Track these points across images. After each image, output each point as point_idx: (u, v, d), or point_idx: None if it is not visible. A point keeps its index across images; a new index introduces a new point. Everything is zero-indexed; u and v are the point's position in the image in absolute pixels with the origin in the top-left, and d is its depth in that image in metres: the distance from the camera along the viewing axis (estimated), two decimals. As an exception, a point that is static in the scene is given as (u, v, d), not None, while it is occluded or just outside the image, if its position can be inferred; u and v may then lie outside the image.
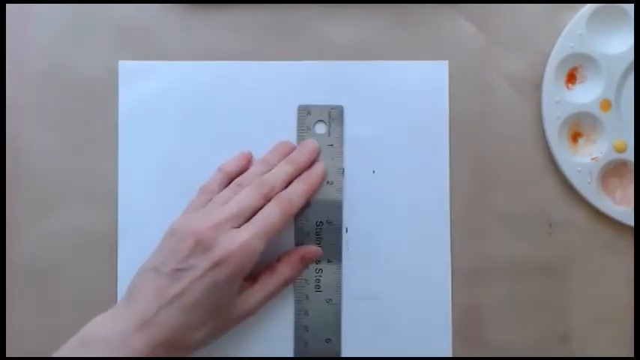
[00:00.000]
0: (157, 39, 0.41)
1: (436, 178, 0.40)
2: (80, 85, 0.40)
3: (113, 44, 0.41)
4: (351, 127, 0.40)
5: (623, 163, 0.40)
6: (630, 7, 0.39)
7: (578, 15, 0.40)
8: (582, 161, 0.39)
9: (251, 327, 0.39)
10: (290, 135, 0.40)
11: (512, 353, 0.39)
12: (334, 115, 0.40)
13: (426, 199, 0.40)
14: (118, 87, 0.40)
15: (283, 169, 0.38)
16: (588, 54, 0.39)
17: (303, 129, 0.40)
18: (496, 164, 0.40)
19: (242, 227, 0.35)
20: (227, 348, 0.39)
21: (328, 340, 0.39)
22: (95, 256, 0.40)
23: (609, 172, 0.40)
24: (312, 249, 0.39)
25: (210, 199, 0.37)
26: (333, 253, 0.39)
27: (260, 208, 0.36)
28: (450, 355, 0.39)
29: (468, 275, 0.40)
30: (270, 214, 0.36)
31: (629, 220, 0.39)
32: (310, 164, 0.39)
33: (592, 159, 0.40)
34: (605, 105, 0.39)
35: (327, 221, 0.39)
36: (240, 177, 0.38)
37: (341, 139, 0.40)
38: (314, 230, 0.39)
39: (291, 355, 0.39)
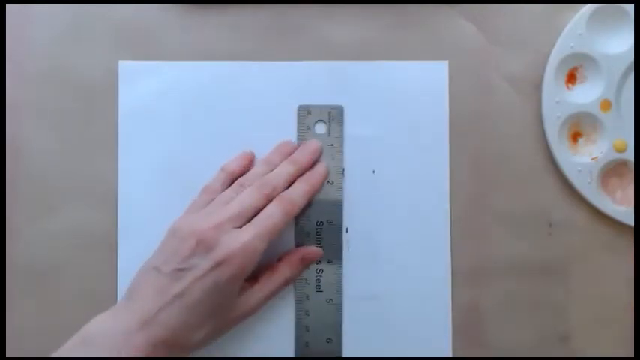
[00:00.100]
0: (157, 39, 0.41)
1: (436, 178, 0.40)
2: (80, 85, 0.40)
3: (113, 44, 0.41)
4: (351, 127, 0.40)
5: (623, 163, 0.40)
6: (630, 7, 0.39)
7: (578, 15, 0.40)
8: (582, 161, 0.39)
9: (252, 327, 0.39)
10: (290, 135, 0.40)
11: (512, 353, 0.39)
12: (334, 115, 0.40)
13: (426, 199, 0.40)
14: (118, 87, 0.40)
15: (285, 170, 0.38)
16: (588, 54, 0.39)
17: (303, 129, 0.40)
18: (496, 164, 0.40)
19: (244, 227, 0.35)
20: (228, 348, 0.39)
21: (329, 340, 0.39)
22: (95, 256, 0.40)
23: (609, 172, 0.40)
24: (312, 249, 0.39)
25: (213, 200, 0.37)
26: (334, 253, 0.39)
27: (262, 209, 0.36)
28: (450, 355, 0.39)
29: (468, 275, 0.40)
30: (272, 215, 0.36)
31: (629, 220, 0.39)
32: (312, 164, 0.39)
33: (592, 159, 0.40)
34: (605, 105, 0.39)
35: (327, 221, 0.39)
36: (243, 177, 0.38)
37: (341, 139, 0.40)
38: (314, 230, 0.39)
39: (291, 355, 0.39)
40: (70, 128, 0.40)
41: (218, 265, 0.34)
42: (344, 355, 0.39)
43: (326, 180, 0.39)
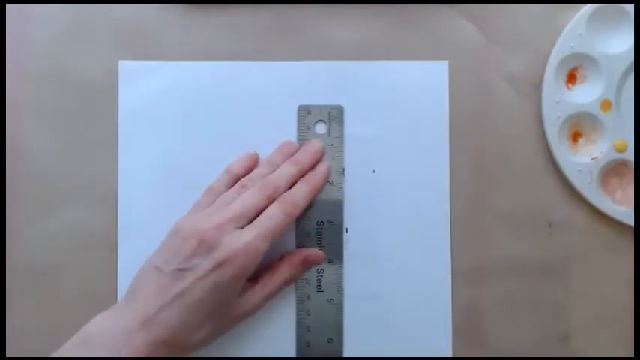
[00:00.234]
0: (157, 39, 0.41)
1: (436, 178, 0.40)
2: (80, 85, 0.40)
3: (113, 44, 0.41)
4: (351, 127, 0.40)
5: (623, 163, 0.40)
6: (630, 7, 0.39)
7: (578, 15, 0.40)
8: (582, 161, 0.39)
9: (253, 327, 0.39)
10: (290, 135, 0.40)
11: (512, 353, 0.39)
12: (334, 115, 0.40)
13: (426, 199, 0.40)
14: (118, 87, 0.40)
15: (287, 170, 0.38)
16: (588, 54, 0.39)
17: (304, 129, 0.40)
18: (496, 164, 0.40)
19: (245, 228, 0.35)
20: (228, 348, 0.39)
21: (330, 340, 0.39)
22: (95, 256, 0.40)
23: (609, 172, 0.40)
24: (314, 252, 0.39)
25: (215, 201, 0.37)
26: (334, 253, 0.39)
27: (264, 209, 0.36)
28: (450, 355, 0.39)
29: (468, 275, 0.40)
30: (274, 216, 0.36)
31: (629, 220, 0.39)
32: (314, 165, 0.39)
33: (592, 159, 0.40)
34: (605, 105, 0.39)
35: (328, 221, 0.39)
36: (245, 178, 0.38)
37: (341, 139, 0.40)
38: (315, 230, 0.39)
39: (293, 355, 0.39)
40: (70, 128, 0.40)
41: (219, 265, 0.34)
42: (345, 355, 0.39)
43: (327, 180, 0.39)
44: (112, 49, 0.41)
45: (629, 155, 0.39)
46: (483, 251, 0.40)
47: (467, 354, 0.39)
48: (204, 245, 0.34)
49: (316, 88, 0.40)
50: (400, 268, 0.40)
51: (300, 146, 0.40)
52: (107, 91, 0.40)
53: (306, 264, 0.39)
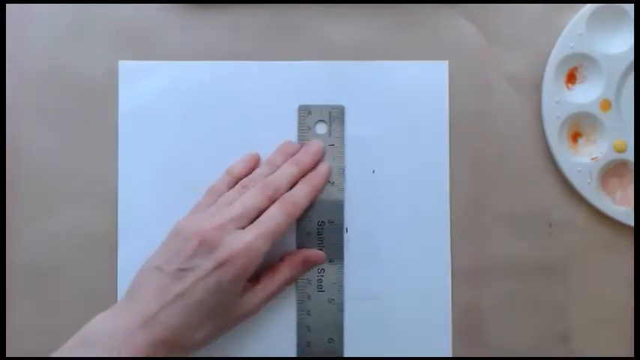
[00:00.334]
0: (157, 39, 0.41)
1: (436, 178, 0.40)
2: (80, 85, 0.40)
3: (113, 44, 0.41)
4: (351, 127, 0.40)
5: (623, 163, 0.40)
6: (630, 7, 0.39)
7: (578, 15, 0.40)
8: (582, 161, 0.39)
9: (253, 327, 0.39)
10: (291, 135, 0.40)
11: (512, 353, 0.39)
12: (335, 115, 0.40)
13: (426, 199, 0.40)
14: (118, 87, 0.40)
15: (288, 170, 0.38)
16: (588, 54, 0.39)
17: (304, 129, 0.40)
18: (496, 164, 0.40)
19: (247, 228, 0.35)
20: (229, 348, 0.39)
21: (331, 340, 0.39)
22: (95, 256, 0.40)
23: (609, 172, 0.40)
24: (314, 253, 0.39)
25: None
26: (335, 253, 0.39)
27: (265, 210, 0.36)
28: (450, 355, 0.39)
29: (468, 275, 0.40)
30: (275, 216, 0.36)
31: (629, 220, 0.39)
32: (315, 165, 0.39)
33: (592, 159, 0.40)
34: (605, 105, 0.39)
35: (328, 221, 0.39)
36: (246, 178, 0.38)
37: (342, 139, 0.40)
38: (316, 230, 0.39)
39: (293, 355, 0.39)
40: (70, 128, 0.40)
41: (221, 265, 0.34)
42: (345, 355, 0.39)
43: (328, 180, 0.39)
44: (112, 49, 0.40)
45: (629, 155, 0.39)
46: (483, 251, 0.40)
47: (467, 354, 0.39)
48: (206, 245, 0.34)
49: (316, 88, 0.40)
50: (400, 268, 0.40)
51: (301, 146, 0.40)
52: (107, 91, 0.40)
53: (307, 264, 0.39)
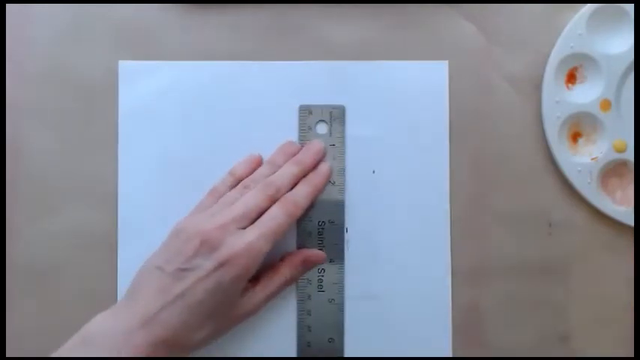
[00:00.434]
0: (157, 39, 0.41)
1: (436, 178, 0.40)
2: (80, 85, 0.40)
3: (113, 44, 0.41)
4: (351, 127, 0.40)
5: (623, 163, 0.40)
6: (630, 7, 0.39)
7: (578, 15, 0.40)
8: (582, 161, 0.40)
9: (254, 327, 0.39)
10: (291, 135, 0.40)
11: (512, 353, 0.39)
12: (336, 115, 0.40)
13: (426, 199, 0.40)
14: (118, 87, 0.40)
15: (289, 170, 0.38)
16: (588, 54, 0.39)
17: (305, 129, 0.40)
18: (496, 164, 0.40)
19: (248, 228, 0.35)
20: (229, 348, 0.39)
21: (331, 340, 0.39)
22: (95, 256, 0.40)
23: (609, 172, 0.40)
24: (315, 253, 0.39)
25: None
26: (336, 253, 0.39)
27: (266, 210, 0.36)
28: (450, 355, 0.39)
29: (468, 275, 0.40)
30: (276, 216, 0.36)
31: (629, 220, 0.39)
32: (316, 165, 0.39)
33: (592, 159, 0.40)
34: (605, 105, 0.39)
35: (329, 221, 0.39)
36: (247, 178, 0.38)
37: (343, 139, 0.40)
38: (316, 230, 0.39)
39: (294, 355, 0.39)
40: (70, 128, 0.40)
41: (221, 265, 0.34)
42: (346, 355, 0.39)
43: (329, 180, 0.39)
44: (112, 49, 0.40)
45: (629, 155, 0.39)
46: (483, 251, 0.40)
47: (467, 354, 0.39)
48: (207, 245, 0.34)
49: (316, 88, 0.40)
50: (400, 268, 0.40)
51: (302, 146, 0.40)
52: (107, 91, 0.40)
53: (307, 264, 0.39)
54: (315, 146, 0.39)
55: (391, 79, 0.40)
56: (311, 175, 0.39)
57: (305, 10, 0.41)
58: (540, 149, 0.40)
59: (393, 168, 0.40)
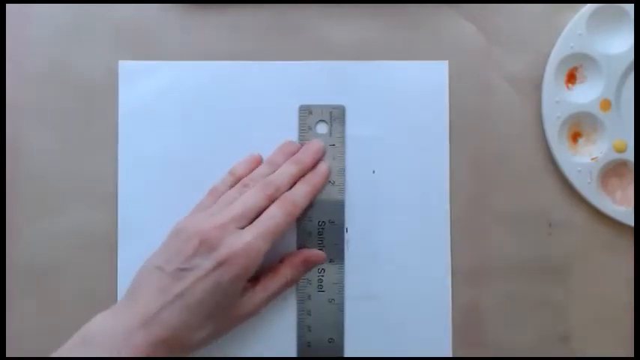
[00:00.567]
0: (157, 39, 0.41)
1: (436, 178, 0.40)
2: (80, 85, 0.40)
3: (113, 44, 0.41)
4: (351, 127, 0.40)
5: (623, 163, 0.40)
6: (630, 7, 0.39)
7: (578, 15, 0.40)
8: (582, 161, 0.40)
9: (254, 327, 0.39)
10: (291, 135, 0.40)
11: (512, 353, 0.39)
12: (336, 115, 0.40)
13: (426, 199, 0.40)
14: (118, 87, 0.40)
15: (288, 170, 0.38)
16: (588, 54, 0.39)
17: (305, 129, 0.40)
18: (496, 164, 0.40)
19: (246, 228, 0.35)
20: (229, 348, 0.39)
21: (331, 340, 0.39)
22: (95, 256, 0.40)
23: (609, 172, 0.40)
24: (315, 253, 0.39)
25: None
26: (336, 253, 0.39)
27: (265, 209, 0.36)
28: (450, 355, 0.39)
29: (468, 275, 0.40)
30: (275, 216, 0.36)
31: (629, 220, 0.39)
32: (315, 164, 0.39)
33: (592, 159, 0.40)
34: (605, 105, 0.39)
35: (329, 221, 0.39)
36: (247, 177, 0.38)
37: (343, 139, 0.40)
38: (316, 230, 0.39)
39: (294, 355, 0.39)
40: (70, 128, 0.40)
41: (220, 265, 0.34)
42: (346, 355, 0.39)
43: (328, 180, 0.39)
44: (112, 49, 0.40)
45: (629, 155, 0.39)
46: (483, 251, 0.40)
47: (467, 354, 0.39)
48: (206, 245, 0.34)
49: (316, 88, 0.40)
50: (400, 268, 0.40)
51: (302, 146, 0.40)
52: (107, 91, 0.40)
53: (307, 264, 0.39)
54: (314, 145, 0.39)
55: (391, 79, 0.40)
56: (310, 175, 0.39)
57: (305, 10, 0.41)
58: (540, 149, 0.40)
59: (393, 168, 0.40)
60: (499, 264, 0.40)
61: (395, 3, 0.40)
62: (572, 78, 0.40)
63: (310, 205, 0.39)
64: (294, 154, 0.39)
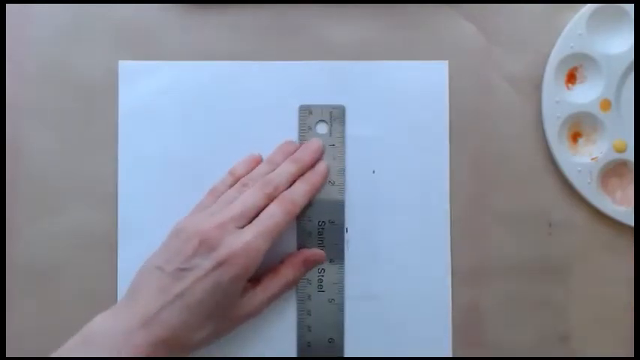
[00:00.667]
0: (157, 39, 0.41)
1: (436, 178, 0.40)
2: (80, 85, 0.40)
3: (113, 44, 0.41)
4: (351, 127, 0.40)
5: (623, 163, 0.40)
6: (630, 7, 0.39)
7: (578, 15, 0.40)
8: (582, 161, 0.40)
9: (254, 327, 0.39)
10: (291, 135, 0.40)
11: (512, 353, 0.39)
12: (336, 115, 0.40)
13: (426, 199, 0.40)
14: (118, 87, 0.40)
15: (287, 169, 0.38)
16: (588, 54, 0.39)
17: (305, 129, 0.40)
18: (496, 164, 0.40)
19: (245, 228, 0.35)
20: (229, 348, 0.39)
21: (331, 340, 0.39)
22: (95, 256, 0.40)
23: (609, 172, 0.40)
24: (315, 252, 0.39)
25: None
26: (336, 253, 0.39)
27: (264, 208, 0.36)
28: (450, 355, 0.39)
29: (468, 275, 0.40)
30: (274, 215, 0.36)
31: (629, 220, 0.39)
32: (314, 163, 0.39)
33: (592, 159, 0.40)
34: (605, 105, 0.39)
35: (329, 221, 0.39)
36: (246, 177, 0.38)
37: (343, 138, 0.40)
38: (316, 230, 0.39)
39: (294, 355, 0.39)
40: (70, 128, 0.40)
41: (220, 264, 0.34)
42: (346, 355, 0.39)
43: (327, 179, 0.39)
44: (112, 49, 0.40)
45: (629, 155, 0.39)
46: (483, 251, 0.40)
47: (467, 354, 0.39)
48: (206, 245, 0.34)
49: (316, 88, 0.40)
50: (400, 268, 0.40)
51: (301, 145, 0.40)
52: (107, 91, 0.40)
53: (308, 264, 0.39)
54: (313, 145, 0.39)
55: (391, 79, 0.40)
56: (309, 174, 0.39)
57: (305, 10, 0.41)
58: (540, 149, 0.40)
59: (393, 168, 0.40)
60: (499, 264, 0.40)
61: (395, 3, 0.40)
62: (572, 78, 0.40)
63: (310, 205, 0.39)
64: (293, 153, 0.39)
